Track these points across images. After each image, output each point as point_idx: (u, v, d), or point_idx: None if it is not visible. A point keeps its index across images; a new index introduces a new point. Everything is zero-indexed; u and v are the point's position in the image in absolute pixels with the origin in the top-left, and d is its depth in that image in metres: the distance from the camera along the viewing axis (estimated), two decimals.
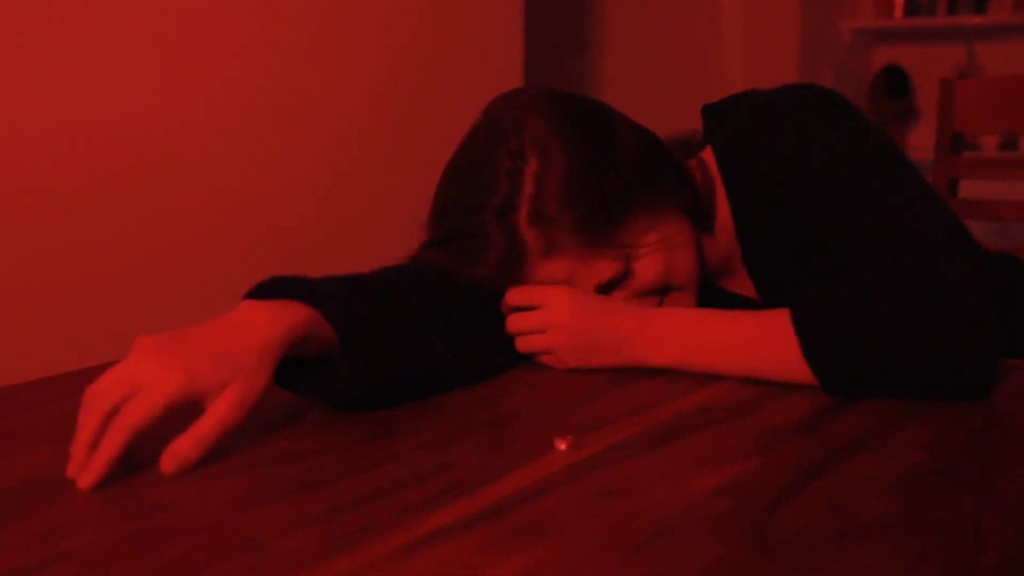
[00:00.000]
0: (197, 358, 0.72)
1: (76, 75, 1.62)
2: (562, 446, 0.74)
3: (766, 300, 1.07)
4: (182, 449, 0.71)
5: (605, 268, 0.99)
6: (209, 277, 1.81)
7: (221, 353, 0.73)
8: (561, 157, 0.95)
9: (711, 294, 1.09)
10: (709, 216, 1.07)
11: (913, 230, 0.92)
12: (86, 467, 0.68)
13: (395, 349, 0.87)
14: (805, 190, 0.98)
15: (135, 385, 0.70)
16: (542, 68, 2.68)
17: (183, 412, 0.72)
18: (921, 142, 3.82)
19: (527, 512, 0.64)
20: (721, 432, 0.80)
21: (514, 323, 1.00)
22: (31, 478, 0.71)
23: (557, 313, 0.97)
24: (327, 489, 0.68)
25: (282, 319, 0.77)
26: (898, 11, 3.93)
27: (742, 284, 1.10)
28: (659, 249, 1.00)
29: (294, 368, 0.82)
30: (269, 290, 0.82)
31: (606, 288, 1.00)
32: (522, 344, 1.00)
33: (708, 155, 1.09)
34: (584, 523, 0.62)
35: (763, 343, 0.90)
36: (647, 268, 1.00)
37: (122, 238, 1.70)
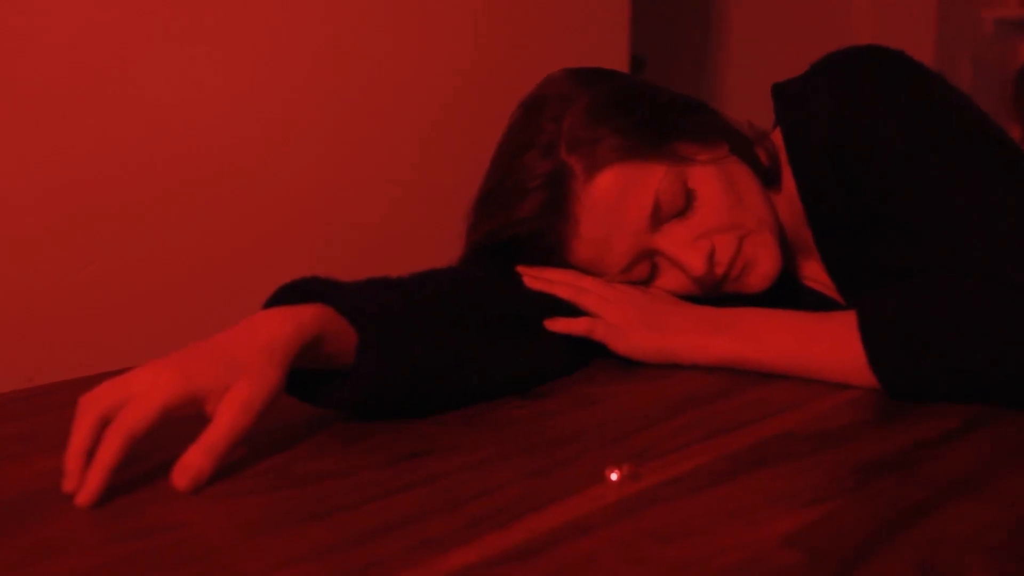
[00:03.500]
0: (194, 359, 0.67)
1: (152, 76, 1.60)
2: (613, 476, 0.65)
3: (839, 283, 1.03)
4: (192, 460, 0.65)
5: (658, 175, 0.92)
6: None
7: (221, 354, 0.68)
8: (585, 93, 0.95)
9: (791, 287, 1.04)
10: (773, 178, 1.01)
11: (989, 226, 0.83)
12: (83, 482, 0.62)
13: (420, 339, 0.79)
14: (874, 171, 0.91)
15: (130, 391, 0.65)
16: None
17: (188, 428, 0.67)
18: None
19: (561, 554, 0.56)
20: (803, 465, 0.71)
21: (578, 293, 0.95)
22: (31, 489, 0.66)
23: (628, 290, 0.96)
24: (344, 516, 0.61)
25: (290, 317, 0.71)
26: None
27: (817, 267, 1.05)
28: (716, 164, 0.96)
29: (315, 381, 0.76)
30: (283, 296, 0.77)
31: (669, 215, 0.94)
32: (582, 320, 0.95)
33: (778, 137, 1.03)
34: (626, 571, 0.54)
35: (827, 343, 0.86)
36: (707, 182, 0.94)
37: (187, 240, 1.67)
